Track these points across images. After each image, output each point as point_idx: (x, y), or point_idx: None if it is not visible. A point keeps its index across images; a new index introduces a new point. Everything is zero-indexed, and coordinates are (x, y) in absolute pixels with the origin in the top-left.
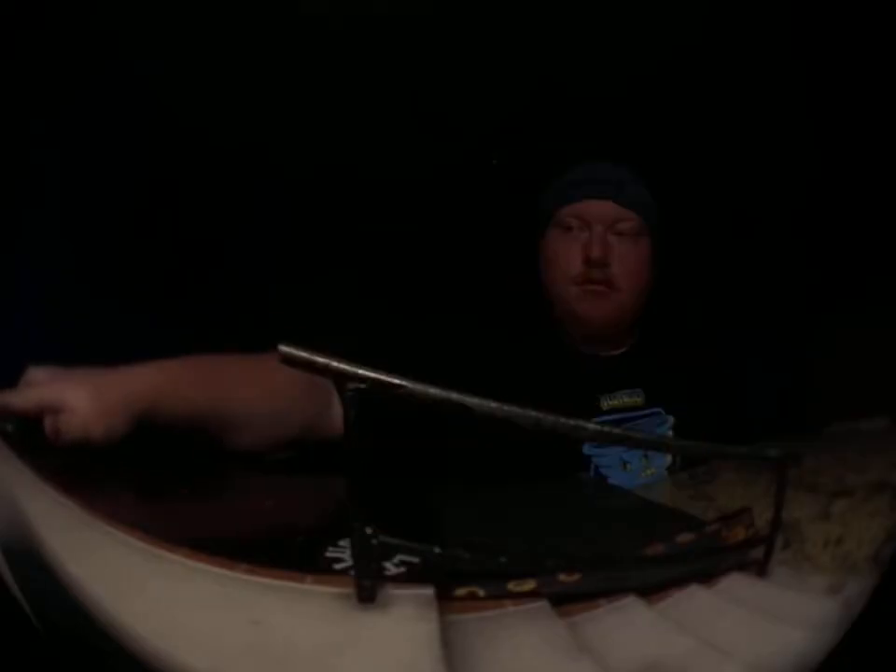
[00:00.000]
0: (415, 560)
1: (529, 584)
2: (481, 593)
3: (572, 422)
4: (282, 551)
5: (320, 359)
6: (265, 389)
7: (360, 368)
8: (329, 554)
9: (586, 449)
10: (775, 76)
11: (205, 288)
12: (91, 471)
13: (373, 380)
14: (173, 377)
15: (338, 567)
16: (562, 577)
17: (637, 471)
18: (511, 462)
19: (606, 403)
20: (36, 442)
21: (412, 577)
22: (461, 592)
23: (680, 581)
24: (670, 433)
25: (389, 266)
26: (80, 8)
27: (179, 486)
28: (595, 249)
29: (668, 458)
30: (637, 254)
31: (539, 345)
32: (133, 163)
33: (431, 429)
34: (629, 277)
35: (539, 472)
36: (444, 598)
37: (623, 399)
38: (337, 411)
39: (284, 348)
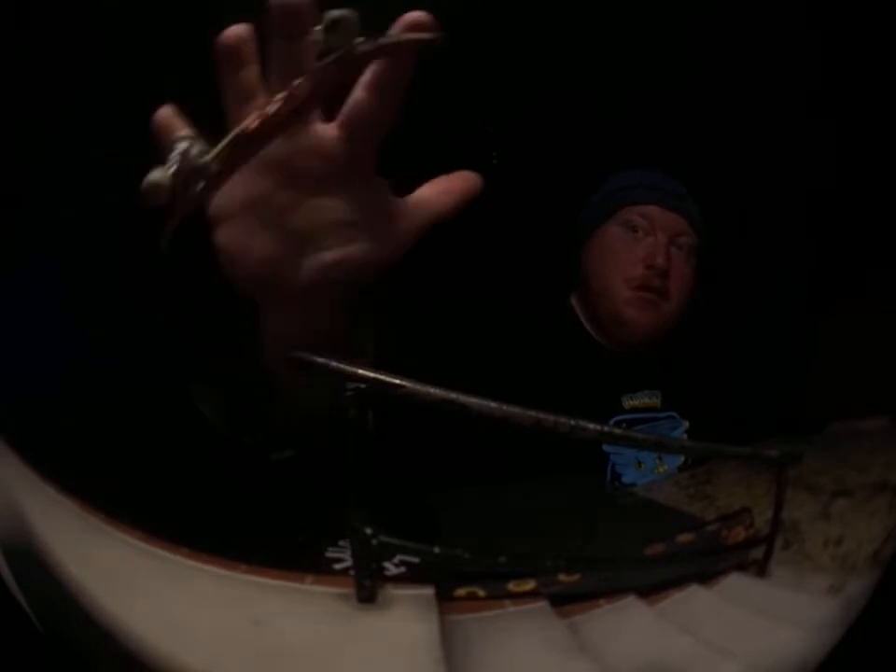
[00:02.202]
0: (415, 560)
1: (529, 584)
2: (481, 593)
3: (572, 422)
4: (282, 551)
5: (320, 359)
6: None
7: (360, 368)
8: (329, 554)
9: (605, 447)
10: (775, 75)
11: (206, 287)
12: (91, 471)
13: (373, 380)
14: None
15: (338, 567)
16: (562, 577)
17: (650, 470)
18: (532, 459)
19: (627, 402)
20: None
21: (412, 577)
22: (461, 592)
23: (680, 581)
24: (685, 436)
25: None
26: (81, 8)
27: (180, 486)
28: (661, 257)
29: (681, 457)
30: (688, 269)
31: (565, 340)
32: (132, 163)
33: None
34: (680, 291)
35: (561, 469)
36: (444, 598)
37: (644, 399)
38: None
39: None
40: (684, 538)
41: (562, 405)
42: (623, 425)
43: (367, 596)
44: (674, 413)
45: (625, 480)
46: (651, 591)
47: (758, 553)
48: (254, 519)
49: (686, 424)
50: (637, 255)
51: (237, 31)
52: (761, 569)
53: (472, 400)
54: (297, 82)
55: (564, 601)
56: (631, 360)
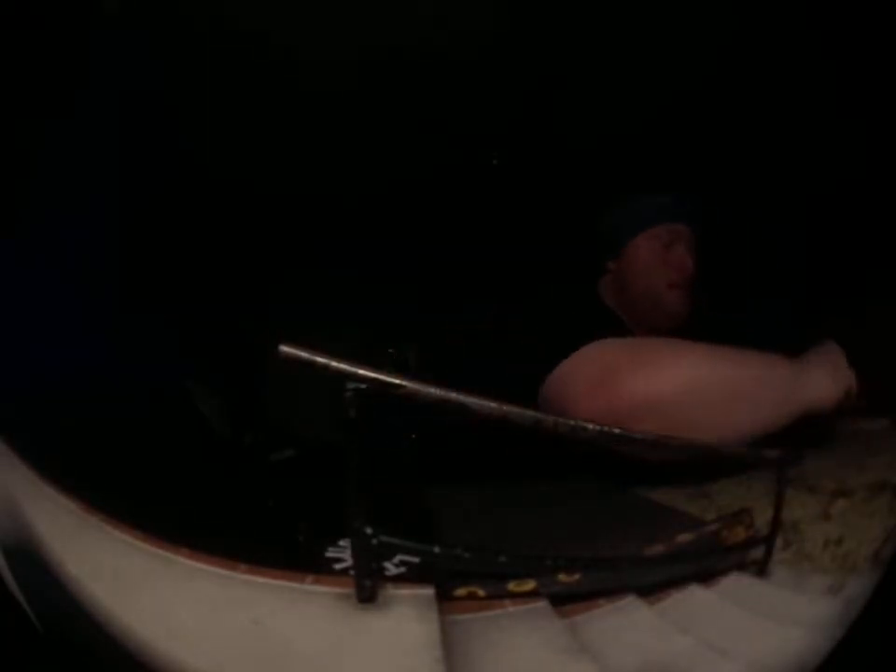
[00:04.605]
0: (415, 560)
1: (529, 584)
2: (481, 593)
3: (572, 422)
4: (282, 551)
5: (320, 359)
6: None
7: (360, 368)
8: (329, 554)
9: None
10: (778, 73)
11: (206, 287)
12: (90, 471)
13: (373, 380)
14: None
15: (338, 566)
16: (562, 577)
17: None
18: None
19: None
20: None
21: (412, 577)
22: (461, 592)
23: (680, 581)
24: None
25: (392, 268)
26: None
27: (180, 486)
28: (690, 263)
29: None
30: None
31: (601, 325)
32: (134, 164)
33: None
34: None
35: None
36: (444, 598)
37: None
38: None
39: (285, 348)
40: (684, 538)
41: None
42: None
43: (367, 596)
44: None
45: None
46: (651, 591)
47: (758, 553)
48: (254, 519)
49: None
50: (674, 263)
51: None
52: (761, 569)
53: (472, 400)
54: None
55: (564, 601)
56: None
